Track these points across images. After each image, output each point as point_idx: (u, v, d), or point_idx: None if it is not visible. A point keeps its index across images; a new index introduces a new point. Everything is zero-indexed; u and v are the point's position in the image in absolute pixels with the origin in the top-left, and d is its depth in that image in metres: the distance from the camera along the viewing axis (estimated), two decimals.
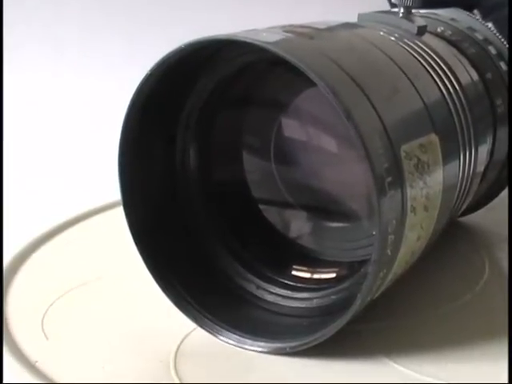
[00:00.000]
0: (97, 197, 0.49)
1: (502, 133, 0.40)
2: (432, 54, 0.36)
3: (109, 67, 0.77)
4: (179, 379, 0.31)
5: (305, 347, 0.32)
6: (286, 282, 0.36)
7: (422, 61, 0.34)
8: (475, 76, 0.39)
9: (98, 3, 0.82)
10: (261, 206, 0.38)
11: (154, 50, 0.32)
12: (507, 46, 0.42)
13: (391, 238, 0.29)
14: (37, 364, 0.32)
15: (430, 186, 0.31)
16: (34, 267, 0.40)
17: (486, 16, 0.49)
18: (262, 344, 0.33)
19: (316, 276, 0.36)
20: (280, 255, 0.37)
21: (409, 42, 0.35)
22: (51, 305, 0.36)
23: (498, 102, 0.40)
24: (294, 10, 0.73)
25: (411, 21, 0.37)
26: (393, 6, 0.39)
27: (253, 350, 0.33)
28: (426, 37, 0.38)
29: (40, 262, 0.41)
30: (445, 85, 0.35)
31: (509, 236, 0.42)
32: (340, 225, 0.37)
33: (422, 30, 0.37)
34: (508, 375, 0.30)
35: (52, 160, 0.60)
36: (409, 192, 0.29)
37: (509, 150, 0.41)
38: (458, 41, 0.40)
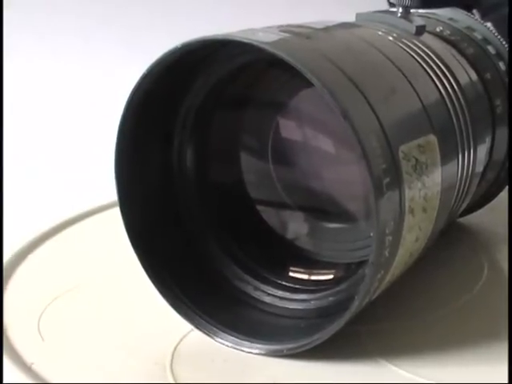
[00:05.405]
0: (93, 197, 0.49)
1: (501, 133, 0.40)
2: (430, 53, 0.35)
3: (105, 67, 0.77)
4: (175, 381, 0.31)
5: (302, 349, 0.32)
6: (284, 283, 0.36)
7: (420, 61, 0.34)
8: (474, 76, 0.39)
9: (97, 2, 0.82)
10: (258, 207, 0.38)
11: (152, 49, 0.32)
12: (506, 45, 0.42)
13: (389, 239, 0.29)
14: (33, 366, 0.32)
15: (428, 186, 0.31)
16: (30, 268, 0.40)
17: (485, 16, 0.49)
18: (259, 346, 0.33)
19: (313, 277, 0.36)
20: (277, 256, 0.37)
21: (407, 42, 0.35)
22: (47, 306, 0.36)
23: (497, 102, 0.40)
24: (291, 9, 0.73)
25: (410, 20, 0.37)
26: (391, 5, 0.39)
27: (250, 352, 0.33)
28: (425, 36, 0.37)
29: (36, 264, 0.41)
30: (443, 85, 0.34)
31: (509, 237, 0.42)
32: (338, 226, 0.37)
33: (420, 30, 0.37)
34: (508, 376, 0.30)
35: (48, 161, 0.60)
36: (407, 193, 0.29)
37: (509, 151, 0.41)
38: (456, 41, 0.40)
